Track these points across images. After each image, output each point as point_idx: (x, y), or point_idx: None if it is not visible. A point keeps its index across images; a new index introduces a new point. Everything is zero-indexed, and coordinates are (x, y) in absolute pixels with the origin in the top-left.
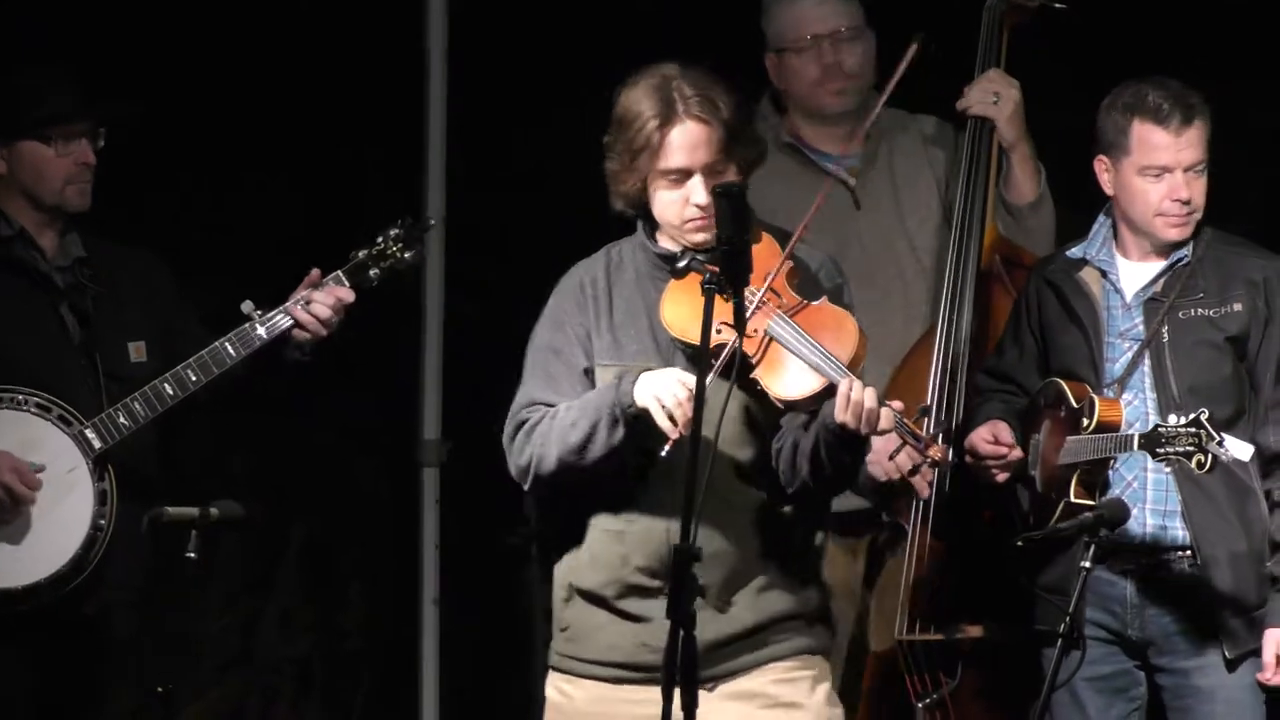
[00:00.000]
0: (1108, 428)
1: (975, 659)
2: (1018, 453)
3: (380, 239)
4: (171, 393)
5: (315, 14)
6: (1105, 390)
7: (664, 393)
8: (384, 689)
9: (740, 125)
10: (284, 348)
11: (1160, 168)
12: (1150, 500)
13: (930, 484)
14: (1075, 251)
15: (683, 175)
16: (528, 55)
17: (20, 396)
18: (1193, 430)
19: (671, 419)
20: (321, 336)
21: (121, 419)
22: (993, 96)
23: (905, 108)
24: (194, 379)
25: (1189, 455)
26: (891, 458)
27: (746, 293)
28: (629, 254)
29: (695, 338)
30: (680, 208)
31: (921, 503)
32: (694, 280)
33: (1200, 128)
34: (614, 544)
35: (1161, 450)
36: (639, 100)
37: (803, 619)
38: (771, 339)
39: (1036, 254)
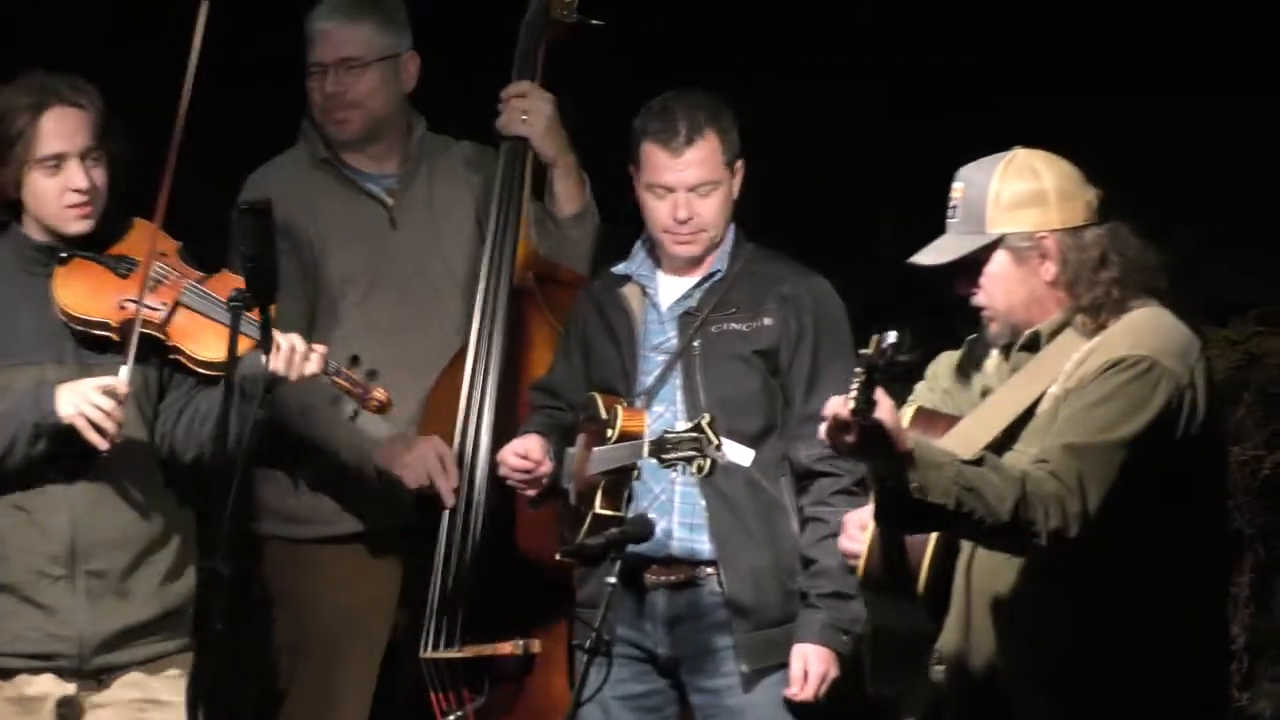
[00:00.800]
0: (630, 437)
1: (506, 675)
2: (546, 467)
3: None
4: None
5: None
6: (635, 401)
7: (86, 406)
8: None
9: (110, 117)
10: None
11: (663, 187)
12: (678, 514)
13: (456, 494)
14: (620, 268)
15: (60, 161)
16: None
17: None
18: (694, 435)
19: (100, 431)
20: None
21: None
22: (522, 114)
23: (447, 130)
24: None
25: (690, 460)
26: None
27: (154, 269)
28: None
29: (94, 313)
30: (59, 195)
31: (451, 517)
32: (78, 264)
33: (707, 147)
34: (20, 534)
35: (667, 456)
36: (10, 95)
37: (183, 614)
38: (185, 308)
39: (576, 269)
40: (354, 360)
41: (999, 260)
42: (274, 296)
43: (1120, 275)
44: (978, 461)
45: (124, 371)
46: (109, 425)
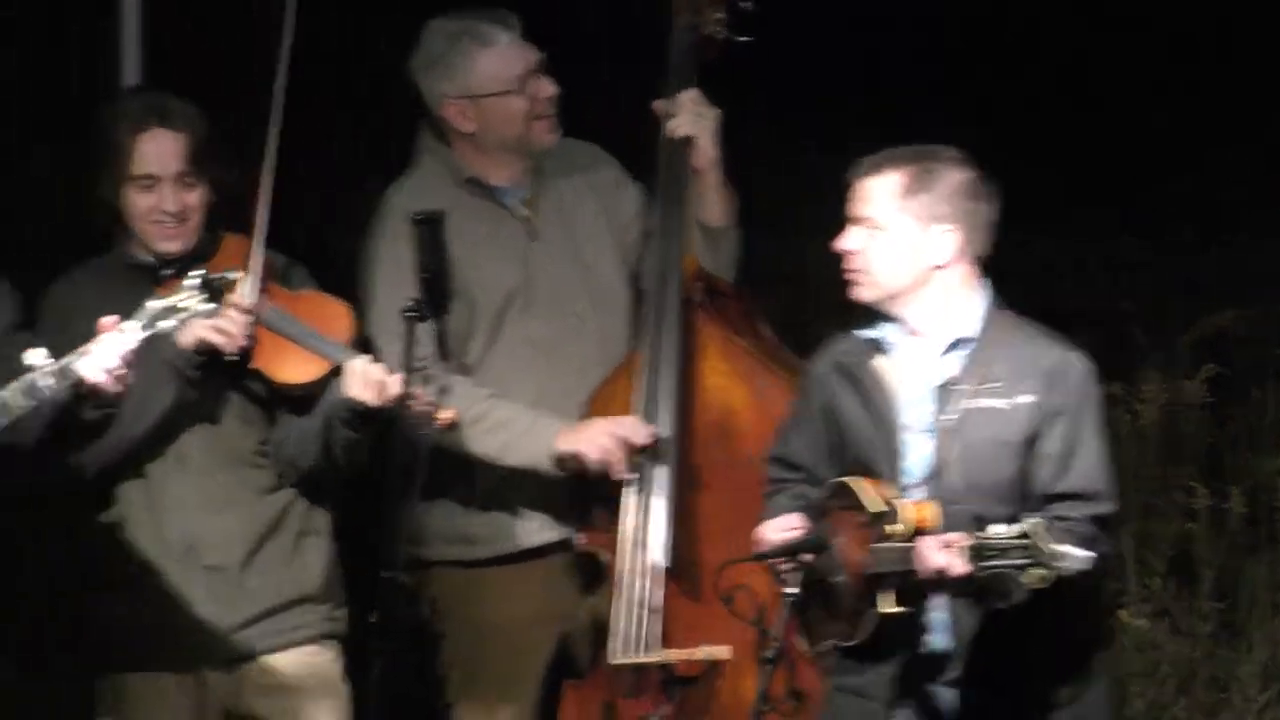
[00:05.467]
0: (925, 533)
1: (695, 682)
2: None
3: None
4: None
5: None
6: (912, 491)
7: (208, 319)
8: None
9: (210, 141)
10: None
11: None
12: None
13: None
14: (867, 332)
15: (153, 181)
16: None
17: None
18: (1021, 542)
19: (227, 335)
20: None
21: None
22: (697, 114)
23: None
24: None
25: (1021, 569)
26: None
27: (242, 287)
28: (104, 267)
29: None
30: (149, 213)
31: (633, 527)
32: (170, 286)
33: (872, 184)
34: (139, 535)
35: (987, 565)
36: (115, 110)
37: (317, 601)
38: (265, 328)
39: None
40: (423, 377)
41: None
42: (448, 306)
43: None
44: None
45: (244, 286)
46: (234, 329)
